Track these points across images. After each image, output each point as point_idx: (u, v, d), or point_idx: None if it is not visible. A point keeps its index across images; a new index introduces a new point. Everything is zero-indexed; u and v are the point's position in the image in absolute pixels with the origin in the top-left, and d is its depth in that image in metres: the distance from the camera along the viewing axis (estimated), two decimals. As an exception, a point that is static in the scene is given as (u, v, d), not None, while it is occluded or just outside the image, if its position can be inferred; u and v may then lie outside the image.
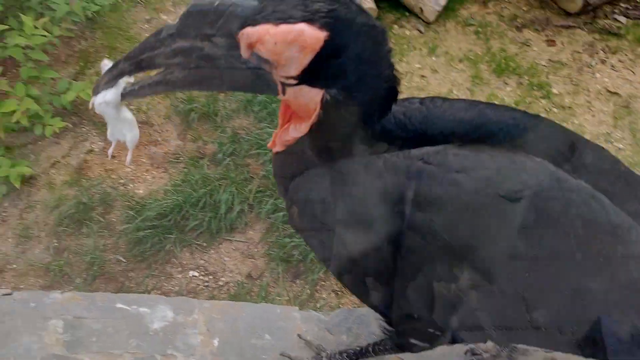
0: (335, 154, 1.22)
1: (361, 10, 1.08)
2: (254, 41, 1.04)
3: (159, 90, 1.23)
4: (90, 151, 3.38)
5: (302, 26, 1.00)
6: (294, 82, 1.08)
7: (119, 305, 1.75)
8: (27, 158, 3.28)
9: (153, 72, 1.20)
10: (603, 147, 1.35)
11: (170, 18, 4.30)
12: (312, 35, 1.01)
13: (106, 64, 1.41)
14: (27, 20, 3.24)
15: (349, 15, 1.04)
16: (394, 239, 1.16)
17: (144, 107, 3.59)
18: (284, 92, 1.12)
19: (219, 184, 3.04)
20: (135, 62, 1.17)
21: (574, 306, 1.16)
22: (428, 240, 1.14)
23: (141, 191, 3.16)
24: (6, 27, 3.22)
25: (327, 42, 1.02)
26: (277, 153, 1.28)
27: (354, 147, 1.21)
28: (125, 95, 1.27)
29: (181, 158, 3.31)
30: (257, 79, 1.11)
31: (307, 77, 1.07)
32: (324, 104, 1.10)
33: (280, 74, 1.08)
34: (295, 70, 1.06)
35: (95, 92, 1.27)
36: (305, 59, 1.04)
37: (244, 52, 1.07)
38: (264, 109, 3.48)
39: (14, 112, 3.09)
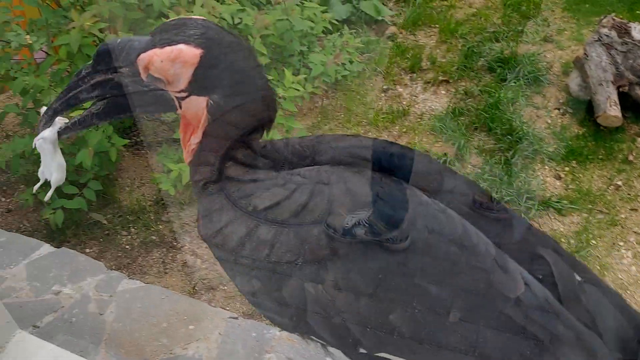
0: (226, 165, 1.40)
1: (229, 32, 1.33)
2: (146, 64, 1.26)
3: (87, 124, 1.41)
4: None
5: (181, 46, 1.25)
6: (184, 94, 1.31)
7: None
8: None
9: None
10: (461, 175, 1.53)
11: (406, 92, 4.52)
12: (189, 52, 1.25)
13: (44, 109, 1.45)
14: (289, 74, 3.63)
15: (218, 35, 1.29)
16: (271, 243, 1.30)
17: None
18: (180, 106, 1.34)
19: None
20: (65, 101, 1.36)
21: (422, 312, 1.27)
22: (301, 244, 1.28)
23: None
24: (269, 77, 3.64)
25: (202, 57, 1.25)
26: (189, 163, 1.45)
27: (241, 158, 1.40)
28: (61, 132, 1.42)
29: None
30: (159, 98, 1.34)
31: (194, 88, 1.29)
32: (209, 108, 1.31)
33: (173, 90, 1.31)
34: (183, 83, 1.28)
35: (37, 132, 1.43)
36: (188, 73, 1.27)
37: (143, 76, 1.29)
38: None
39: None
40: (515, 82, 4.45)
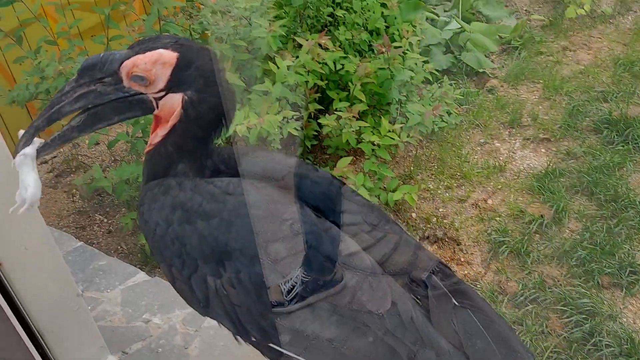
0: (174, 164, 1.62)
1: (197, 42, 1.61)
2: (130, 68, 1.47)
3: (67, 137, 1.53)
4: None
5: (161, 50, 1.48)
6: (162, 93, 1.52)
7: None
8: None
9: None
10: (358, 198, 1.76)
11: (504, 147, 4.40)
12: (168, 55, 1.48)
13: (21, 132, 1.48)
14: (385, 122, 3.64)
15: (189, 43, 1.55)
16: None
17: (457, 224, 3.70)
18: (157, 106, 1.55)
19: (513, 328, 2.89)
20: (47, 117, 1.48)
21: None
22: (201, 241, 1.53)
23: (432, 304, 3.19)
24: (365, 124, 3.66)
25: (178, 59, 1.48)
26: (146, 153, 1.66)
27: (187, 161, 1.63)
28: (41, 149, 1.49)
29: (479, 285, 3.27)
30: (137, 102, 1.53)
31: (171, 86, 1.51)
32: (184, 102, 1.53)
33: (152, 91, 1.51)
34: (162, 83, 1.50)
35: (15, 152, 1.48)
36: (167, 73, 1.49)
37: (125, 81, 1.49)
38: (581, 265, 3.27)
39: (349, 197, 3.45)
40: (623, 146, 4.21)
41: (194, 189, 1.58)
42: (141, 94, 1.52)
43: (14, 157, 1.47)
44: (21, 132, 1.49)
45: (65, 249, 2.89)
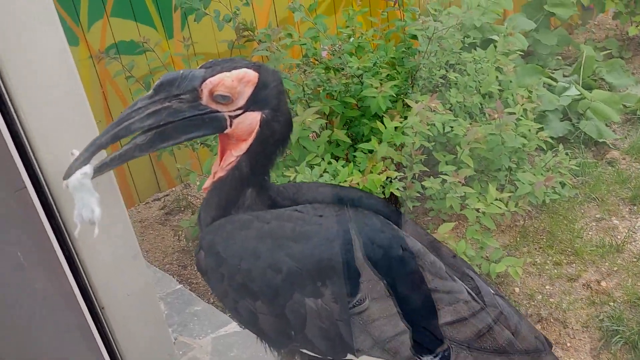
0: (245, 189, 1.66)
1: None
2: (214, 85, 1.51)
3: (127, 157, 1.54)
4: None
5: (245, 69, 1.54)
6: (240, 111, 1.56)
7: None
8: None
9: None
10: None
11: (623, 225, 4.07)
12: (252, 74, 1.54)
13: (74, 153, 1.40)
14: (493, 190, 3.50)
15: (263, 64, 1.62)
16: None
17: (564, 306, 3.43)
18: (230, 125, 1.57)
19: None
20: (113, 134, 1.48)
21: None
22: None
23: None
24: (471, 190, 3.54)
25: (259, 79, 1.55)
26: (216, 181, 1.66)
27: (255, 186, 1.68)
28: (99, 169, 1.47)
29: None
30: (210, 121, 1.55)
31: (249, 105, 1.56)
32: (262, 121, 1.58)
33: (231, 109, 1.55)
34: (243, 100, 1.55)
35: (69, 173, 1.43)
36: (249, 91, 1.55)
37: (205, 98, 1.52)
38: None
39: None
40: None
41: (279, 218, 1.63)
42: (217, 112, 1.55)
43: (67, 177, 1.43)
44: (75, 151, 1.49)
45: (166, 290, 3.00)
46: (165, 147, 1.60)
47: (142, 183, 5.01)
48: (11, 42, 1.34)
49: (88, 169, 1.45)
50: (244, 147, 1.61)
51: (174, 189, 5.18)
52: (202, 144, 3.86)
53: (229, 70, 1.52)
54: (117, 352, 1.63)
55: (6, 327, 1.43)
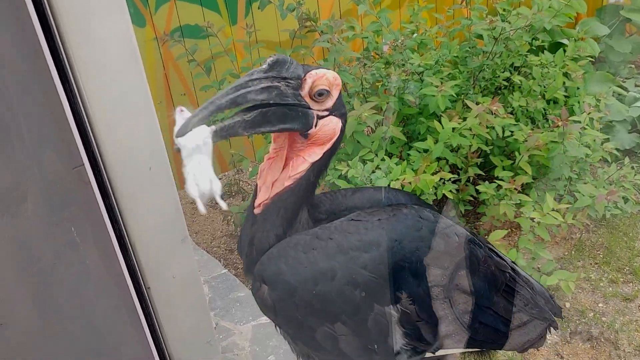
0: (307, 200, 1.62)
1: None
2: (318, 78, 1.50)
3: (233, 132, 1.45)
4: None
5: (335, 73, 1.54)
6: (326, 113, 1.55)
7: None
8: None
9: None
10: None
11: (688, 247, 3.86)
12: (339, 78, 1.55)
13: (183, 110, 1.29)
14: (550, 200, 3.37)
15: None
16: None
17: (617, 326, 3.28)
18: (316, 125, 1.54)
19: None
20: (232, 99, 1.42)
21: None
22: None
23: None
24: (527, 198, 3.42)
25: (342, 84, 1.75)
26: (286, 188, 1.55)
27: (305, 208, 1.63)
28: (218, 133, 1.39)
29: (636, 403, 2.85)
30: (302, 115, 1.51)
31: (334, 109, 1.56)
32: (342, 128, 1.60)
33: (321, 108, 1.54)
34: (331, 102, 1.55)
35: (183, 131, 1.33)
36: (336, 94, 1.56)
37: (305, 90, 1.50)
38: None
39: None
40: None
41: (340, 231, 1.56)
42: (309, 107, 1.52)
43: (181, 134, 1.32)
44: (183, 108, 1.42)
45: (211, 273, 3.03)
46: (264, 132, 1.51)
47: (197, 165, 5.09)
48: (78, 23, 1.36)
49: (207, 135, 1.33)
50: (319, 152, 1.58)
51: (226, 173, 5.25)
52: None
53: (327, 69, 1.54)
54: (159, 332, 1.65)
55: (56, 300, 1.47)
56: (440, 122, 3.42)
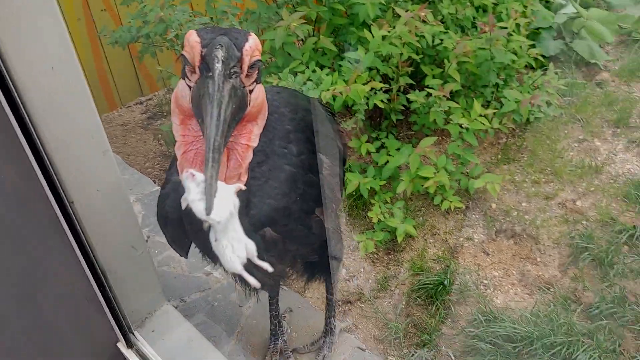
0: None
1: None
2: (253, 49, 1.26)
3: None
4: (470, 239, 3.45)
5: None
6: (255, 85, 1.31)
7: None
8: (415, 218, 3.54)
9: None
10: None
11: (604, 147, 4.09)
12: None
13: (192, 173, 1.12)
14: (478, 106, 3.46)
15: None
16: None
17: (538, 223, 3.50)
18: (250, 102, 1.30)
19: (582, 341, 2.73)
20: (223, 130, 1.18)
21: None
22: None
23: (499, 301, 3.06)
24: (456, 105, 3.50)
25: None
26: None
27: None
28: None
29: (552, 290, 3.09)
30: (243, 99, 1.27)
31: (259, 77, 1.32)
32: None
33: (251, 81, 1.29)
34: (257, 70, 1.31)
35: (211, 204, 1.10)
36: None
37: (245, 69, 1.26)
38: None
39: (427, 178, 3.35)
40: None
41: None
42: (244, 86, 1.28)
43: (210, 209, 1.10)
44: (192, 172, 1.15)
45: (143, 191, 2.99)
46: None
47: (124, 86, 4.90)
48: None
49: (232, 186, 1.17)
50: (256, 132, 1.36)
51: (156, 93, 5.09)
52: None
53: (250, 34, 1.29)
54: (87, 245, 1.64)
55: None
56: (370, 31, 3.39)
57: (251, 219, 1.46)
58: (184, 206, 1.16)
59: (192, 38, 1.24)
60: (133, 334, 1.93)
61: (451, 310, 3.02)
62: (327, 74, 3.28)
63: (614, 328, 2.84)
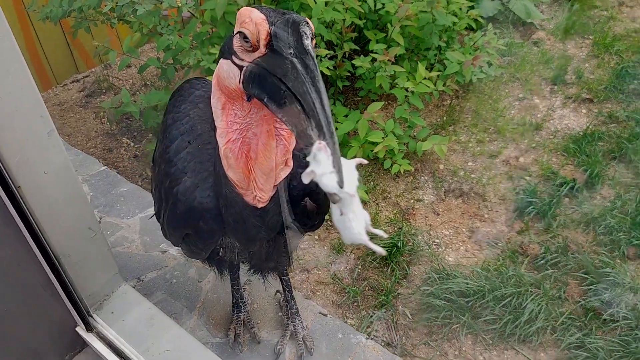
0: None
1: None
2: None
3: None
4: (420, 200, 3.53)
5: None
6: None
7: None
8: (366, 183, 3.59)
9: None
10: None
11: (543, 104, 4.23)
12: None
13: (321, 143, 1.08)
14: (422, 69, 3.51)
15: None
16: None
17: (484, 181, 3.61)
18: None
19: (530, 291, 2.86)
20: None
21: None
22: None
23: (451, 259, 3.16)
24: (401, 69, 3.53)
25: None
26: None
27: None
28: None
29: (500, 245, 3.22)
30: None
31: None
32: None
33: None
34: None
35: (342, 179, 1.11)
36: None
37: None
38: (608, 234, 3.18)
39: (376, 143, 3.38)
40: (670, 113, 4.02)
41: None
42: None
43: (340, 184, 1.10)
44: (321, 142, 1.10)
45: (89, 172, 2.90)
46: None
47: (58, 63, 4.68)
48: None
49: (352, 160, 1.16)
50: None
51: (93, 69, 4.90)
52: (120, 19, 3.60)
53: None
54: (37, 229, 1.59)
55: None
56: (312, -3, 3.35)
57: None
58: (307, 181, 1.14)
59: (256, 15, 1.17)
60: (92, 317, 1.89)
61: (406, 270, 3.09)
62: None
63: (559, 276, 2.99)
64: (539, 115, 4.12)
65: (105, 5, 3.20)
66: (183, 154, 1.44)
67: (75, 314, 1.83)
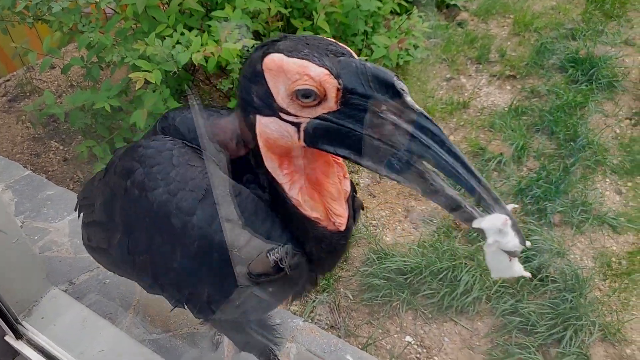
0: None
1: None
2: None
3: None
4: (356, 184, 3.59)
5: None
6: None
7: (348, 358, 1.80)
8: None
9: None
10: None
11: (470, 83, 4.36)
12: None
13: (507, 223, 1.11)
14: (349, 55, 3.54)
15: None
16: None
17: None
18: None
19: (465, 263, 2.97)
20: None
21: None
22: None
23: (388, 239, 3.24)
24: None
25: None
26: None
27: None
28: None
29: (435, 222, 3.31)
30: None
31: None
32: None
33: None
34: None
35: (522, 237, 1.12)
36: None
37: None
38: (536, 203, 3.33)
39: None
40: (586, 85, 4.22)
41: None
42: None
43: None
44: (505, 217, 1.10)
45: (13, 177, 2.80)
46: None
47: (-24, 68, 4.50)
48: None
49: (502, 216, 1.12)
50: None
51: (15, 73, 4.71)
52: (39, 19, 3.47)
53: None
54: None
55: None
56: (234, -12, 3.33)
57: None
58: (490, 253, 1.12)
59: (316, 70, 1.05)
60: (21, 324, 1.84)
61: (345, 253, 3.14)
62: (196, 35, 3.20)
63: (491, 247, 3.11)
64: (466, 94, 4.25)
65: (19, 4, 3.09)
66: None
67: (3, 322, 1.78)
